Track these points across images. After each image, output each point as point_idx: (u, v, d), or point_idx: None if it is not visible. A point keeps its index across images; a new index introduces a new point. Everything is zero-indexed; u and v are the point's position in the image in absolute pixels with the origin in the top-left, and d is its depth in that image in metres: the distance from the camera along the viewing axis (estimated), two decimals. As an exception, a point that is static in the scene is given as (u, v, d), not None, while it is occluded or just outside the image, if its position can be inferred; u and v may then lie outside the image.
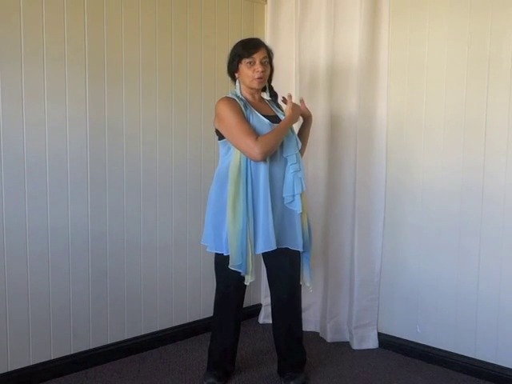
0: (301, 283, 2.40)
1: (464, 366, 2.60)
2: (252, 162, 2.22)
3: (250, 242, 2.21)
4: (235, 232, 2.20)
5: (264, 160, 2.21)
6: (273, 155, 2.25)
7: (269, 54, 2.31)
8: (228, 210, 2.21)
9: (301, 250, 2.32)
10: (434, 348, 2.73)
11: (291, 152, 2.27)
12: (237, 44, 2.32)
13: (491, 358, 2.52)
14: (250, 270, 2.24)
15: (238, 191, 2.20)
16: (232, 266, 2.23)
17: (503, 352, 2.48)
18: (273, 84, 2.44)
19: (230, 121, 2.20)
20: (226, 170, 2.26)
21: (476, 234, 2.54)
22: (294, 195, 2.26)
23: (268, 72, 2.31)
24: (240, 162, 2.22)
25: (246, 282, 2.27)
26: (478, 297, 2.55)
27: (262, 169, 2.23)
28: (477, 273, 2.55)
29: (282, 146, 2.28)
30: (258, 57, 2.25)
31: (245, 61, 2.26)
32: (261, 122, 2.25)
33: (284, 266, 2.35)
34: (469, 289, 2.58)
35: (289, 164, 2.27)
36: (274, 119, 2.30)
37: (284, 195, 2.27)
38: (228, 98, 2.27)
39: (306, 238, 2.36)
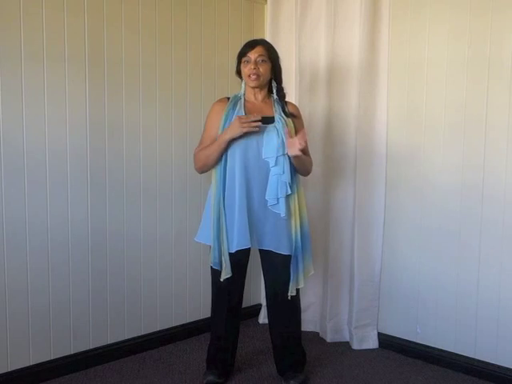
0: (289, 293, 2.32)
1: (464, 366, 2.60)
2: (228, 163, 2.27)
3: (223, 241, 2.27)
4: (213, 231, 2.28)
5: (202, 173, 2.41)
6: (251, 157, 2.25)
7: (269, 53, 2.32)
8: (211, 208, 2.32)
9: (285, 253, 2.28)
10: (434, 348, 2.73)
11: (270, 154, 2.23)
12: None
13: (491, 358, 2.52)
14: (224, 267, 2.28)
15: (214, 190, 2.29)
16: (211, 263, 2.32)
17: (503, 352, 2.48)
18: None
19: (204, 126, 2.40)
20: None
21: (476, 234, 2.53)
22: (277, 198, 2.24)
23: (264, 70, 2.30)
24: (217, 166, 2.29)
25: (221, 279, 2.30)
26: (478, 297, 2.55)
27: (237, 170, 2.25)
28: (477, 273, 2.55)
29: (261, 147, 2.25)
30: (252, 55, 2.28)
31: (243, 60, 2.32)
32: None
33: (276, 266, 2.34)
34: (469, 289, 2.58)
35: (270, 167, 2.25)
36: (266, 120, 2.27)
37: (266, 197, 2.25)
38: (218, 100, 2.39)
39: (296, 244, 2.30)
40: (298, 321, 2.48)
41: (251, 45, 2.31)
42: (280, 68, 2.40)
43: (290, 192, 2.26)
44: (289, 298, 2.32)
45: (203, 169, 2.36)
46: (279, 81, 2.41)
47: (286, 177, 2.24)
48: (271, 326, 2.49)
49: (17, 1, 2.27)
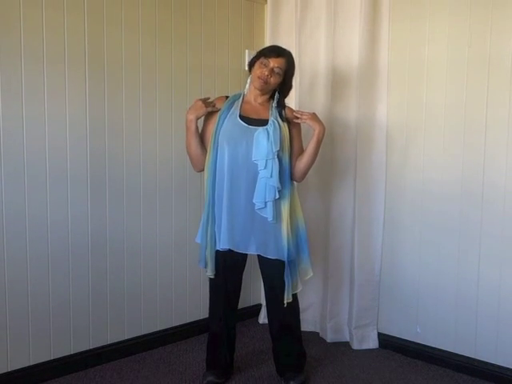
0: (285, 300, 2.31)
1: (464, 366, 2.60)
2: (218, 162, 2.28)
3: (210, 240, 2.31)
4: (201, 230, 2.35)
5: (198, 170, 2.41)
6: (240, 157, 2.25)
7: (287, 69, 2.31)
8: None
9: (272, 257, 2.27)
10: (434, 348, 2.73)
11: (260, 157, 2.22)
12: (269, 45, 2.41)
13: (491, 358, 2.52)
14: (207, 264, 2.34)
15: (205, 189, 2.32)
16: (198, 262, 2.40)
17: (503, 352, 2.48)
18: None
19: None
20: None
21: (476, 235, 2.53)
22: (265, 202, 2.23)
23: (274, 81, 2.29)
24: (209, 163, 2.31)
25: (207, 275, 2.37)
26: (478, 297, 2.55)
27: (226, 170, 2.26)
28: (477, 273, 2.55)
29: (250, 148, 2.24)
30: (273, 62, 2.27)
31: (261, 59, 2.30)
32: (234, 122, 2.28)
33: (270, 269, 2.34)
34: (469, 289, 2.58)
35: (258, 169, 2.23)
36: (260, 122, 2.28)
37: (254, 201, 2.24)
38: (217, 99, 2.40)
39: (289, 248, 2.27)
40: (296, 319, 2.48)
41: (277, 52, 2.29)
42: (290, 86, 2.39)
43: (277, 196, 2.23)
44: (284, 304, 2.30)
45: (191, 161, 2.39)
46: (284, 95, 2.39)
47: (274, 181, 2.21)
48: (270, 325, 2.49)
49: (17, 1, 2.27)
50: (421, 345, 2.78)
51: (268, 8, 3.25)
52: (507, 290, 2.45)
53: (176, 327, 2.99)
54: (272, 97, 2.39)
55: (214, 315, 2.47)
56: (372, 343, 2.93)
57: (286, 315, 2.43)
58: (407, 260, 2.82)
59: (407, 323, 2.84)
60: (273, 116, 2.31)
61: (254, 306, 3.40)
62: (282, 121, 2.32)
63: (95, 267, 2.62)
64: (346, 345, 2.96)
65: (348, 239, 2.96)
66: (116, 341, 2.73)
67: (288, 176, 2.33)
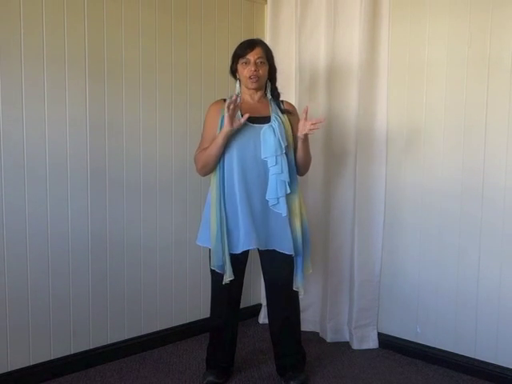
0: (294, 288, 2.35)
1: (464, 366, 2.60)
2: (226, 165, 2.26)
3: (224, 242, 2.26)
4: (213, 234, 2.27)
5: (204, 175, 2.36)
6: (249, 158, 2.25)
7: (267, 54, 2.32)
8: (211, 211, 2.30)
9: (288, 252, 2.28)
10: (434, 348, 2.73)
11: (269, 154, 2.23)
12: (238, 45, 2.35)
13: (491, 358, 2.52)
14: (226, 269, 2.28)
15: (214, 192, 2.28)
16: (213, 266, 2.30)
17: (503, 352, 2.48)
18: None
19: (203, 128, 2.37)
20: None
21: (476, 235, 2.53)
22: (277, 198, 2.24)
23: (263, 72, 2.30)
24: (217, 169, 2.29)
25: (224, 282, 2.29)
26: (478, 297, 2.55)
27: (236, 171, 2.25)
28: (477, 273, 2.54)
29: (258, 147, 2.25)
30: (252, 56, 2.27)
31: (240, 61, 2.31)
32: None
33: (277, 262, 2.34)
34: (469, 289, 2.58)
35: (268, 166, 2.25)
36: (262, 120, 2.28)
37: (267, 198, 2.25)
38: (215, 102, 2.38)
39: (298, 242, 2.31)
40: (297, 319, 2.48)
41: (250, 46, 2.29)
42: (275, 68, 2.40)
43: (289, 191, 2.26)
44: (299, 290, 2.34)
45: (205, 168, 2.31)
46: (274, 81, 2.40)
47: (285, 176, 2.24)
48: (271, 325, 2.49)
49: (17, 1, 2.27)
50: (421, 345, 2.78)
51: (268, 8, 3.25)
52: (507, 291, 2.45)
53: (176, 327, 2.99)
54: (265, 89, 2.39)
55: (216, 314, 2.47)
56: (372, 343, 2.93)
57: (286, 314, 2.43)
58: (407, 260, 2.82)
59: (407, 323, 2.84)
60: (273, 111, 2.32)
61: (254, 306, 3.40)
62: (282, 113, 2.33)
63: (95, 267, 2.62)
64: (346, 345, 2.96)
65: (348, 239, 2.96)
66: (116, 341, 2.74)
67: (294, 170, 2.35)
